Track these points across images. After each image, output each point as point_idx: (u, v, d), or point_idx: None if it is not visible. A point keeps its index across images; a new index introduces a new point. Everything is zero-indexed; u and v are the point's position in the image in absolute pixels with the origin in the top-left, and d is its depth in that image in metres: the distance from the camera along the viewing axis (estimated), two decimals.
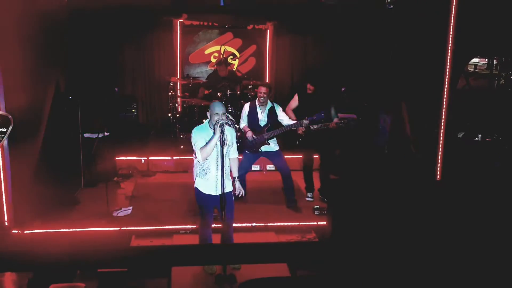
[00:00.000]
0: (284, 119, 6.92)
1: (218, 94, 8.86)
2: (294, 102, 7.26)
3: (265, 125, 6.89)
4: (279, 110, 6.96)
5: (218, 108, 5.00)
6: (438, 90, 6.40)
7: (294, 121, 6.84)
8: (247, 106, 7.03)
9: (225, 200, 4.97)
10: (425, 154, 6.44)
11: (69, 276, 4.79)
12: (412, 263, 2.72)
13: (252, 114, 6.96)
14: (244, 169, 6.83)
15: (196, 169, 5.24)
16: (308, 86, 7.14)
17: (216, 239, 5.47)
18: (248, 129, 6.87)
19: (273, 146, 6.91)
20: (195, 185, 5.26)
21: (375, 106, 9.13)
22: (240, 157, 6.24)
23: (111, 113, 9.21)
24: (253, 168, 7.66)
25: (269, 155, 6.99)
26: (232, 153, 5.34)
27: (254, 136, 6.82)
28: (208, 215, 5.32)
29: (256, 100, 7.00)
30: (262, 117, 6.94)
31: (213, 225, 5.46)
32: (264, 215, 6.71)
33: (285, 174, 6.96)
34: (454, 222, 2.82)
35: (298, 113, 7.05)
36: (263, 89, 6.89)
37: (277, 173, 7.38)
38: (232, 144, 5.29)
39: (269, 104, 6.96)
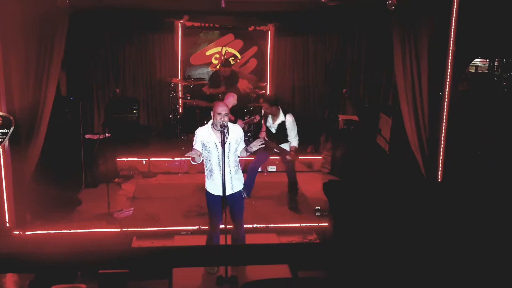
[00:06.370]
0: (290, 139, 6.86)
1: (220, 95, 8.86)
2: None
3: (274, 136, 6.90)
4: (289, 129, 6.80)
5: (221, 108, 5.00)
6: (439, 92, 6.40)
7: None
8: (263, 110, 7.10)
9: (226, 201, 4.96)
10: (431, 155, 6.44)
11: (70, 277, 4.79)
12: (414, 264, 2.71)
13: (264, 119, 7.10)
14: (254, 165, 7.03)
15: (205, 171, 5.24)
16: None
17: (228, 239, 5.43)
18: (265, 131, 6.99)
19: (285, 146, 6.97)
20: (205, 187, 5.27)
21: (376, 108, 9.13)
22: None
23: (113, 114, 9.23)
24: None
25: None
26: (240, 151, 5.24)
27: (266, 139, 6.71)
28: (214, 216, 5.31)
29: None
30: (274, 125, 6.93)
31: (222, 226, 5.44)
32: (266, 216, 6.70)
33: (291, 174, 7.00)
34: (456, 222, 2.81)
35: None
36: (264, 106, 6.95)
37: (278, 174, 7.38)
38: (240, 142, 5.21)
39: (281, 117, 6.86)
